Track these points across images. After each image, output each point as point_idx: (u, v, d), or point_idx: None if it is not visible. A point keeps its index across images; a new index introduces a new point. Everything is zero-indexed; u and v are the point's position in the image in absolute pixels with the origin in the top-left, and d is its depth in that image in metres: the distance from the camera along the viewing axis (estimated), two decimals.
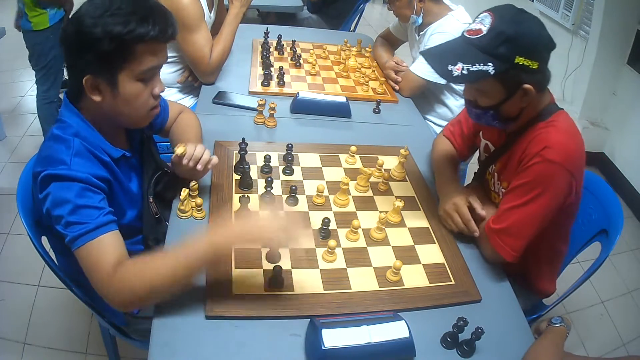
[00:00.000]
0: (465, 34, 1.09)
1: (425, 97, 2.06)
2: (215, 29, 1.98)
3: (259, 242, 1.03)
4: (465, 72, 1.04)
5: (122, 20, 0.92)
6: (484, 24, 1.05)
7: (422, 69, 1.86)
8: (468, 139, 1.45)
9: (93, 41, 0.91)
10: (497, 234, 1.13)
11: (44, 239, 1.10)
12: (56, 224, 0.93)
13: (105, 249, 0.91)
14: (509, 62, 1.03)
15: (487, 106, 1.13)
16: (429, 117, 2.08)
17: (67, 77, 1.05)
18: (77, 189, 0.92)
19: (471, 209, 1.22)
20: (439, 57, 1.13)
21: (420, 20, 1.92)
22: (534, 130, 1.14)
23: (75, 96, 1.02)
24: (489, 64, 1.03)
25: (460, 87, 1.94)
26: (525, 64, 1.03)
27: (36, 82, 2.51)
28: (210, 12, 1.92)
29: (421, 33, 1.97)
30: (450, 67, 1.06)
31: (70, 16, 1.01)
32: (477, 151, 1.43)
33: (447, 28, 1.83)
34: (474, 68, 1.04)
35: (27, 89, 3.21)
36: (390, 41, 2.25)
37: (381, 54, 2.15)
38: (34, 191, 1.02)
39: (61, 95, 2.97)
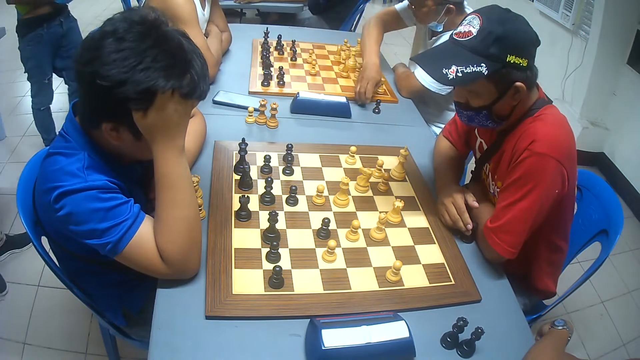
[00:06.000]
0: (455, 37, 1.10)
1: (425, 101, 2.05)
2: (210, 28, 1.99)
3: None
4: (459, 74, 1.05)
5: (162, 74, 0.84)
6: (473, 26, 1.06)
7: (427, 78, 1.84)
8: (464, 134, 1.46)
9: (124, 98, 0.84)
10: (494, 232, 1.14)
11: (44, 239, 1.10)
12: (89, 239, 0.89)
13: (148, 236, 0.92)
14: (501, 61, 1.05)
15: (479, 107, 1.14)
16: (429, 119, 2.07)
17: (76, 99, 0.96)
18: (100, 195, 0.88)
19: (467, 205, 1.23)
20: (432, 61, 1.14)
21: (440, 28, 1.87)
22: (522, 126, 1.15)
23: (88, 126, 0.95)
24: (482, 64, 1.04)
25: None
26: (516, 61, 1.05)
27: None
28: (204, 10, 1.92)
29: (434, 37, 1.93)
30: (445, 71, 1.07)
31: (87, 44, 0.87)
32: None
33: None
34: (468, 70, 1.05)
35: (27, 89, 3.18)
36: (391, 23, 2.07)
37: (369, 48, 1.93)
38: (41, 208, 0.98)
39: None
